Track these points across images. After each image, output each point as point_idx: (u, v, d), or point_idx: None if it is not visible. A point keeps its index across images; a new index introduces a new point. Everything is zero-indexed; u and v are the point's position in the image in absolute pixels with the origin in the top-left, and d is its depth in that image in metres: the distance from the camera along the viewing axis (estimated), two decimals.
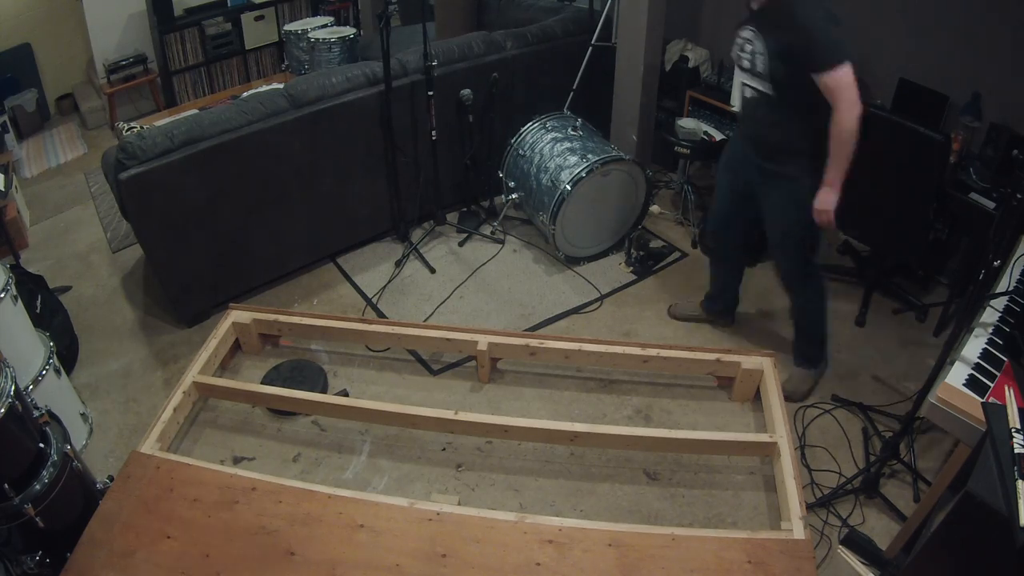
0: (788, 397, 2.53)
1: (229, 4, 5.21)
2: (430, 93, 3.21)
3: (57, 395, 2.41)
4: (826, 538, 2.18)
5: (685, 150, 3.47)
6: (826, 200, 2.24)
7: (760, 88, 2.23)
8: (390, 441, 2.54)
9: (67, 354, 2.88)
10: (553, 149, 3.30)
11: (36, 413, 1.96)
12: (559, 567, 1.89)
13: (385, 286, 3.29)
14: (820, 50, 2.03)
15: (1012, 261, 2.10)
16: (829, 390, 2.69)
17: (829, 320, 2.61)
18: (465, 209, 3.79)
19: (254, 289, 3.26)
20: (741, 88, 2.33)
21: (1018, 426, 1.35)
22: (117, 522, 1.99)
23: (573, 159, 3.19)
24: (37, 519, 1.82)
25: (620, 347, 2.66)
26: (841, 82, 2.01)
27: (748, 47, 2.21)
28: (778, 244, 2.51)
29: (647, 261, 3.42)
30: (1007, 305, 1.97)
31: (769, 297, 3.19)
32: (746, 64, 2.25)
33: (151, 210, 2.79)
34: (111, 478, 2.18)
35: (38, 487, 1.81)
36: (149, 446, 2.26)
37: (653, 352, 2.62)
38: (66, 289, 3.37)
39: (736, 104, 2.43)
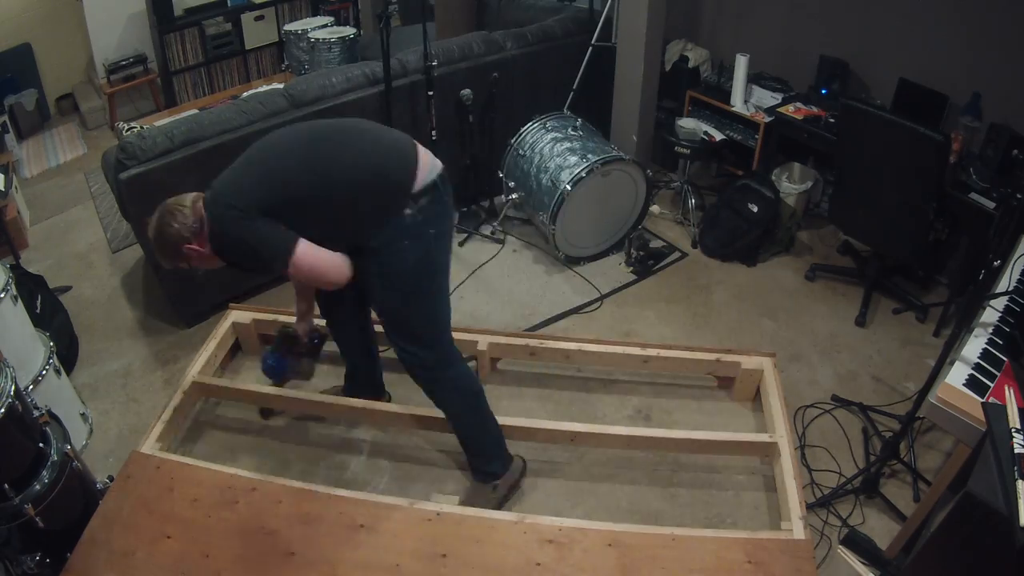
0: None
1: (229, 4, 5.21)
2: (430, 93, 3.21)
3: (57, 395, 2.41)
4: (826, 538, 2.18)
5: (685, 150, 3.47)
6: None
7: None
8: (390, 441, 2.54)
9: (67, 354, 2.87)
10: (553, 149, 3.30)
11: (36, 413, 1.96)
12: (559, 567, 1.89)
13: None
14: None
15: (1012, 261, 2.10)
16: (829, 390, 2.69)
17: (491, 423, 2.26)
18: (465, 209, 3.79)
19: (254, 289, 3.26)
20: None
21: (1018, 426, 1.35)
22: (117, 522, 1.99)
23: (573, 159, 3.19)
24: (37, 519, 1.82)
25: (620, 347, 2.66)
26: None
27: None
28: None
29: (647, 261, 3.41)
30: (1007, 305, 1.97)
31: (769, 297, 3.19)
32: None
33: (151, 210, 2.76)
34: (111, 478, 2.18)
35: (38, 487, 1.81)
36: (149, 446, 2.27)
37: (653, 352, 2.62)
38: (66, 289, 3.37)
39: None
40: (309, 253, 1.82)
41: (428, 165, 1.89)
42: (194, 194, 1.92)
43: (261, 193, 1.80)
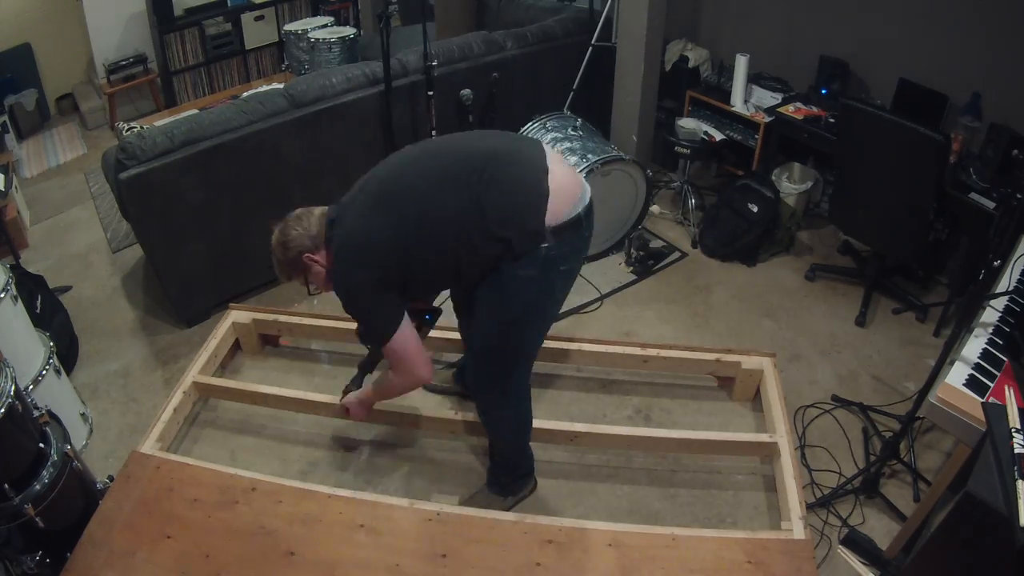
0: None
1: (229, 4, 5.21)
2: (430, 93, 3.21)
3: (57, 395, 2.41)
4: (826, 538, 2.18)
5: (685, 150, 3.47)
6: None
7: None
8: (390, 441, 2.54)
9: (67, 354, 2.87)
10: (553, 149, 3.29)
11: (36, 413, 1.96)
12: (559, 567, 1.89)
13: None
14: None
15: (1012, 261, 2.11)
16: (829, 390, 2.69)
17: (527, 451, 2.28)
18: None
19: (254, 289, 3.26)
20: None
21: (1018, 426, 1.35)
22: (117, 522, 1.99)
23: (573, 159, 3.19)
24: (37, 519, 1.82)
25: (620, 347, 2.66)
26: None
27: None
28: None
29: (647, 261, 3.41)
30: (1007, 305, 1.97)
31: (769, 297, 3.19)
32: None
33: (151, 210, 2.79)
34: (111, 478, 2.18)
35: (38, 487, 1.81)
36: (149, 446, 2.27)
37: (653, 352, 2.62)
38: (66, 289, 3.37)
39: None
40: (401, 340, 1.79)
41: (573, 198, 1.79)
42: (323, 208, 1.86)
43: (393, 255, 1.72)
